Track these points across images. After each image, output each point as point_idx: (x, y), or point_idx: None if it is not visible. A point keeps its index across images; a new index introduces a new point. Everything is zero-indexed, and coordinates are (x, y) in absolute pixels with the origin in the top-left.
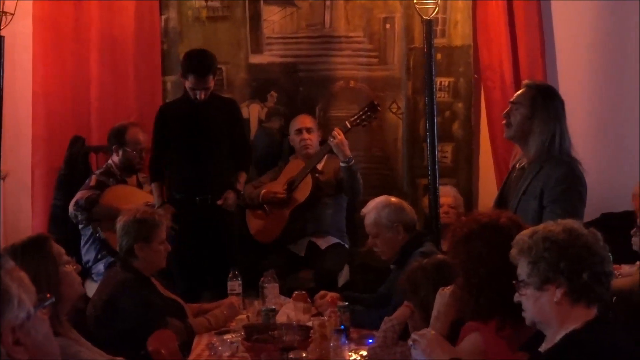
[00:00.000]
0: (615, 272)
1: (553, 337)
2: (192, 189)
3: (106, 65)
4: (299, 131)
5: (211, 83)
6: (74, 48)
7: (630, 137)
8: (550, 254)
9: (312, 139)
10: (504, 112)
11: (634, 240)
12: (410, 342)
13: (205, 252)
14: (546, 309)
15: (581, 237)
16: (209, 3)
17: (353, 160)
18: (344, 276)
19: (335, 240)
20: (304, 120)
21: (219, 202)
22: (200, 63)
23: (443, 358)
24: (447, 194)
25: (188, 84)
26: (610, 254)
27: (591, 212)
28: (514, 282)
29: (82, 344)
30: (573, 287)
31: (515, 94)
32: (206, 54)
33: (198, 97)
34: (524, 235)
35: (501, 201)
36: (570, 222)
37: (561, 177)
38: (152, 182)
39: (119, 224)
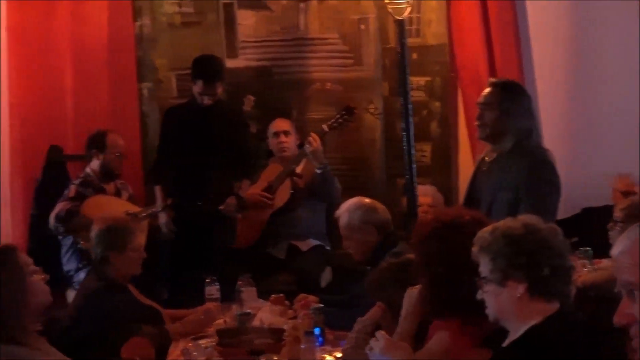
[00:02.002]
0: (595, 266)
1: (515, 332)
2: (194, 193)
3: (81, 74)
4: (276, 134)
5: (219, 89)
6: (48, 57)
7: (609, 132)
8: (509, 249)
9: (289, 142)
10: (477, 115)
11: (611, 234)
12: (367, 349)
13: (205, 256)
14: (507, 305)
15: (539, 232)
16: (183, 9)
17: (328, 166)
18: (326, 278)
19: (315, 242)
20: (281, 124)
21: (221, 208)
22: (210, 69)
23: None
24: (427, 194)
25: (196, 89)
26: (571, 248)
27: (572, 207)
28: (476, 279)
29: (49, 354)
30: (533, 282)
31: (483, 95)
32: (215, 60)
33: (205, 102)
34: (484, 232)
35: (471, 196)
36: (529, 218)
37: (536, 170)
38: (155, 185)
39: (92, 232)
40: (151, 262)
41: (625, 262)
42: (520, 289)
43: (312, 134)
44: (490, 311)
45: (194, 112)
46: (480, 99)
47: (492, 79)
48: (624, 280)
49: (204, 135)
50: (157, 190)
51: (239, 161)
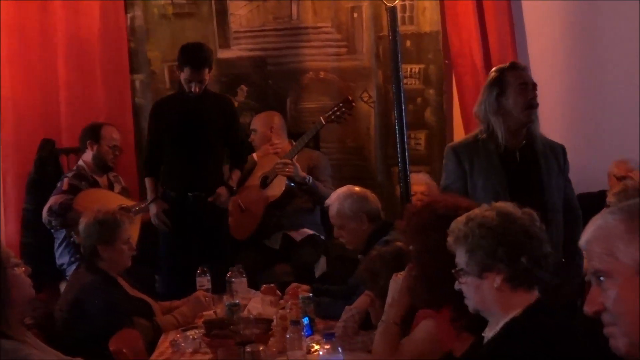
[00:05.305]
0: None
1: (496, 323)
2: (185, 185)
3: (74, 67)
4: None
5: (206, 76)
6: (40, 51)
7: (604, 117)
8: (487, 241)
9: (255, 140)
10: (534, 95)
11: None
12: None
13: (197, 248)
14: (487, 296)
15: (517, 221)
16: (174, 0)
17: (310, 180)
18: (320, 268)
19: (309, 231)
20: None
21: (210, 199)
22: (196, 55)
23: None
24: (420, 182)
25: (183, 76)
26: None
27: None
28: (452, 270)
29: (36, 347)
30: (512, 273)
31: (528, 75)
32: (202, 46)
33: (193, 89)
34: (458, 222)
35: (515, 187)
36: (504, 206)
37: (564, 153)
38: (146, 177)
39: (81, 226)
40: (146, 254)
41: (594, 250)
42: (498, 279)
43: (280, 161)
44: (470, 302)
45: (182, 103)
46: (530, 79)
47: (519, 62)
48: (593, 268)
49: (192, 126)
50: (148, 182)
51: (230, 152)
